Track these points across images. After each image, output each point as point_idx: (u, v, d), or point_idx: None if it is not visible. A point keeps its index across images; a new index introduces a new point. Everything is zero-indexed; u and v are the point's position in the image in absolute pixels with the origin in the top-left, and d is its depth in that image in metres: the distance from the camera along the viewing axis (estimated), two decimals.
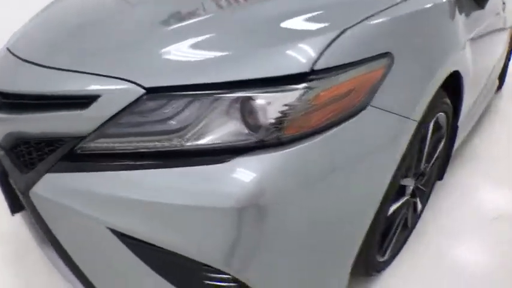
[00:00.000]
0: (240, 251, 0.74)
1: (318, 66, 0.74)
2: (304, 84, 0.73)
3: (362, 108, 0.80)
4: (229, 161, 0.72)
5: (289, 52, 0.76)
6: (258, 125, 0.72)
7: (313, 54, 0.75)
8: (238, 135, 0.73)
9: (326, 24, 0.82)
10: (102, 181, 0.76)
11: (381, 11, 0.90)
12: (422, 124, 1.02)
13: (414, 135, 0.96)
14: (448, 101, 1.22)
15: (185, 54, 0.79)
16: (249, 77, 0.73)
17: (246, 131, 0.73)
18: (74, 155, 0.79)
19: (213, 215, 0.71)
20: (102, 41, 0.91)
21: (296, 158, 0.73)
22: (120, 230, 0.75)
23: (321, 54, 0.75)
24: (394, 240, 1.24)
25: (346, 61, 0.78)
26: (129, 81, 0.75)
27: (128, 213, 0.74)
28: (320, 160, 0.76)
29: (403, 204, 1.19)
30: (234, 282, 0.78)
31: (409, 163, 1.08)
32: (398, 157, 0.92)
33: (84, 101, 0.77)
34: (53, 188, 0.80)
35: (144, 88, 0.74)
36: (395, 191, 1.03)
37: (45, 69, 0.86)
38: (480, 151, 2.04)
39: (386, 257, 1.23)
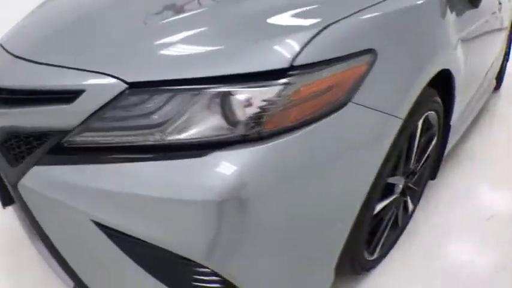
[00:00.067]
0: (221, 245, 0.74)
1: (298, 62, 0.75)
2: (283, 80, 0.74)
3: (343, 104, 0.80)
4: (210, 155, 0.73)
5: (270, 48, 0.77)
6: (237, 120, 0.73)
7: (293, 49, 0.76)
8: (219, 130, 0.74)
9: (309, 20, 0.83)
10: (87, 174, 0.77)
11: (367, 7, 0.90)
12: (410, 122, 1.02)
13: (400, 133, 0.96)
14: (438, 99, 1.22)
15: (168, 50, 0.81)
16: (231, 72, 0.74)
17: (227, 125, 0.74)
18: (61, 149, 0.81)
19: (195, 208, 0.72)
20: (92, 36, 0.93)
21: (275, 153, 0.74)
22: (103, 222, 0.76)
23: (302, 49, 0.76)
24: (383, 239, 1.24)
25: (328, 57, 0.78)
26: (112, 76, 0.77)
27: (110, 205, 0.75)
28: (299, 155, 0.76)
29: (391, 202, 1.19)
30: (215, 276, 0.78)
31: (397, 161, 1.08)
32: (382, 154, 0.92)
33: (69, 95, 0.78)
34: (40, 180, 0.82)
35: (126, 83, 0.76)
36: (381, 188, 1.03)
37: (36, 65, 0.88)
38: (477, 152, 2.02)
39: (375, 255, 1.23)
